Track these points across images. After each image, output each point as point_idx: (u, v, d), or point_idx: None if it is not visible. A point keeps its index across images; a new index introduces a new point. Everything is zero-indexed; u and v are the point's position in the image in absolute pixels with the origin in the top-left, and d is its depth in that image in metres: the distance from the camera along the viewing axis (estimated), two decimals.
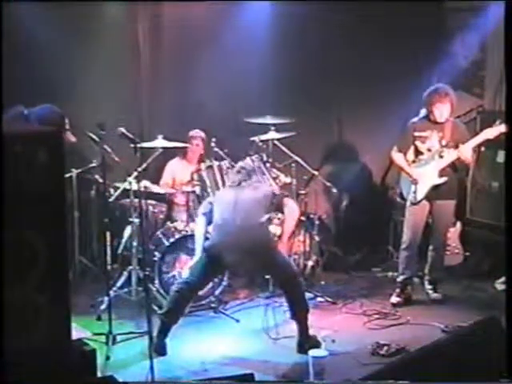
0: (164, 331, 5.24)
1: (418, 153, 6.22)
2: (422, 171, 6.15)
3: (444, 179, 6.12)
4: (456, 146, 6.08)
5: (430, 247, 6.37)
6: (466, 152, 6.04)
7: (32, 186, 3.11)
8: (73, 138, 6.04)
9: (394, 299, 6.29)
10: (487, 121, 6.73)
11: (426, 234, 6.37)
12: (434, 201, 6.19)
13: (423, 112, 6.28)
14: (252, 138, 6.73)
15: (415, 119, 6.32)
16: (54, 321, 3.22)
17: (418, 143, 6.18)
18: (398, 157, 6.28)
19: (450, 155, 6.09)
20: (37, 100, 6.09)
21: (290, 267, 5.40)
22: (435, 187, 6.13)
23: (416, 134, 6.18)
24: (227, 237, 5.26)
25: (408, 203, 6.24)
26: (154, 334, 5.09)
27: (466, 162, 6.16)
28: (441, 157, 6.12)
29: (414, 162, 6.24)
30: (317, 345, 5.13)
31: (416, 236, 6.25)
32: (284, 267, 5.34)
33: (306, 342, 5.21)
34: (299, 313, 5.31)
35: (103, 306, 5.73)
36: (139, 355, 5.13)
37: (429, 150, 6.16)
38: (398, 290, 6.33)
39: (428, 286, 6.43)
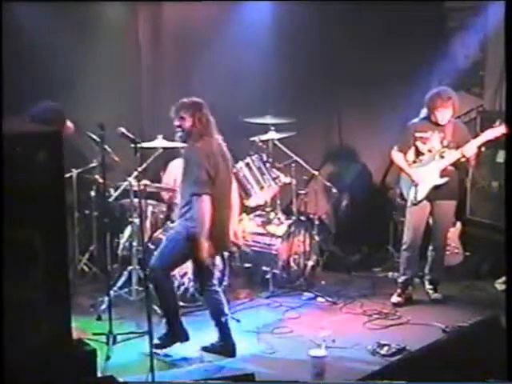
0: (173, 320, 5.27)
1: (418, 153, 6.19)
2: (423, 172, 6.13)
3: (445, 179, 6.11)
4: (457, 147, 6.07)
5: (430, 247, 6.35)
6: (470, 151, 6.01)
7: (32, 186, 3.12)
8: (71, 127, 5.93)
9: (395, 299, 6.29)
10: (487, 121, 6.72)
11: (426, 234, 6.36)
12: (434, 201, 6.18)
13: (424, 112, 6.24)
14: (252, 138, 6.74)
15: (416, 120, 6.28)
16: (54, 321, 3.23)
17: (418, 144, 6.16)
18: (398, 157, 6.25)
19: (452, 155, 6.08)
20: (37, 100, 6.11)
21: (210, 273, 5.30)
22: (436, 187, 6.12)
23: (417, 134, 6.15)
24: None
25: (409, 203, 6.22)
26: (155, 333, 5.09)
27: (468, 161, 6.15)
28: (442, 157, 6.11)
29: (414, 162, 6.22)
30: (224, 353, 5.17)
31: (417, 236, 6.24)
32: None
33: (222, 347, 5.23)
34: (219, 320, 5.26)
35: (103, 306, 5.74)
36: (139, 355, 5.13)
37: (430, 150, 6.14)
38: (398, 290, 6.32)
39: (428, 286, 6.42)
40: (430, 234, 6.34)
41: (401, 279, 6.35)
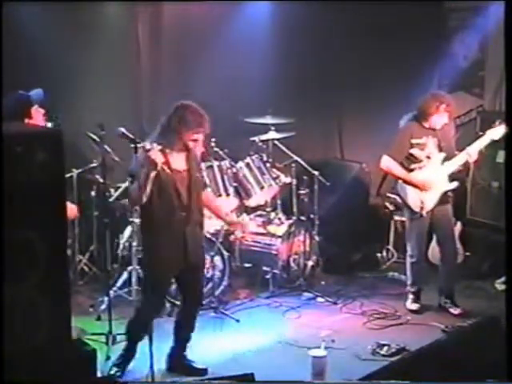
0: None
1: (412, 160, 5.89)
2: (430, 179, 5.86)
3: (455, 184, 5.92)
4: (447, 150, 5.88)
5: (440, 256, 6.14)
6: (474, 154, 5.83)
7: (32, 186, 3.11)
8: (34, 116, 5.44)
9: (414, 306, 6.10)
10: (487, 121, 6.71)
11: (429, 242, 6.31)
12: (434, 208, 5.92)
13: (413, 116, 5.95)
14: (252, 138, 6.74)
15: (408, 124, 5.97)
16: (54, 321, 3.23)
17: (415, 151, 5.87)
18: (394, 166, 5.91)
19: (458, 158, 5.87)
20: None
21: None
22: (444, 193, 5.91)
23: (413, 141, 5.86)
24: None
25: (416, 215, 5.91)
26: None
27: (474, 162, 5.98)
28: (443, 162, 5.89)
29: (411, 170, 5.91)
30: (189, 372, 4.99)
31: (423, 247, 6.12)
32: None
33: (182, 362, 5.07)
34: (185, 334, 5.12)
35: (103, 306, 5.74)
36: (139, 355, 5.13)
37: (428, 157, 5.88)
38: (412, 297, 6.14)
39: (445, 300, 6.09)
40: (439, 245, 6.14)
41: (413, 289, 6.15)
